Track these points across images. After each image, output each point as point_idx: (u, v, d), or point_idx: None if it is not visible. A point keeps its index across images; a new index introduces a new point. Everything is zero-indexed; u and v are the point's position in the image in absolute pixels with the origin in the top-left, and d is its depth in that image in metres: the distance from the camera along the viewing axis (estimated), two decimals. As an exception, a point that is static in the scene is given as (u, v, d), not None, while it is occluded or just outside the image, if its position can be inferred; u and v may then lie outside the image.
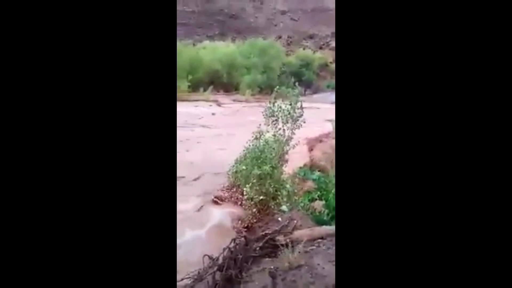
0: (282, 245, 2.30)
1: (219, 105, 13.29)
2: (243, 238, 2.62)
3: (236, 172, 4.10)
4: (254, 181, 3.58)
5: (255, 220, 3.46)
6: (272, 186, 3.61)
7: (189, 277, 2.26)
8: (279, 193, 3.65)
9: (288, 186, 3.73)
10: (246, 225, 3.41)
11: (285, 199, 3.59)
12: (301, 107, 3.86)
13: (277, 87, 4.12)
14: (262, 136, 3.97)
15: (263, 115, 3.93)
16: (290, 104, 3.83)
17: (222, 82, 17.43)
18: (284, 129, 3.89)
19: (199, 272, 2.28)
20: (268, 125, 3.92)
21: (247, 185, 3.61)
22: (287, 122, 3.86)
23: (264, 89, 17.08)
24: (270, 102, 3.92)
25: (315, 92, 18.08)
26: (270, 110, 3.88)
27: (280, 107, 3.84)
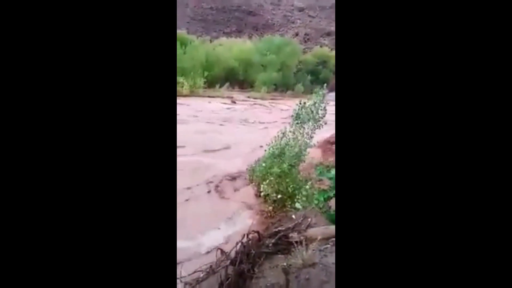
0: (296, 242, 2.27)
1: (234, 101, 13.32)
2: (256, 234, 2.60)
3: (254, 169, 4.12)
4: (272, 178, 3.58)
5: (269, 217, 3.46)
6: (290, 186, 3.60)
7: (202, 270, 2.26)
8: (296, 192, 3.63)
9: (307, 187, 3.70)
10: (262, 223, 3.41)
11: (304, 199, 3.57)
12: (325, 108, 3.83)
13: (316, 89, 4.08)
14: (284, 135, 3.98)
15: (292, 116, 3.95)
16: (314, 105, 3.81)
17: (237, 79, 17.46)
18: (304, 128, 3.88)
19: (211, 266, 2.28)
20: (293, 126, 3.92)
21: (264, 182, 3.61)
22: (308, 122, 3.84)
23: (280, 87, 17.01)
24: (298, 104, 3.92)
25: (331, 90, 17.89)
26: (299, 113, 3.88)
27: (310, 109, 3.83)
